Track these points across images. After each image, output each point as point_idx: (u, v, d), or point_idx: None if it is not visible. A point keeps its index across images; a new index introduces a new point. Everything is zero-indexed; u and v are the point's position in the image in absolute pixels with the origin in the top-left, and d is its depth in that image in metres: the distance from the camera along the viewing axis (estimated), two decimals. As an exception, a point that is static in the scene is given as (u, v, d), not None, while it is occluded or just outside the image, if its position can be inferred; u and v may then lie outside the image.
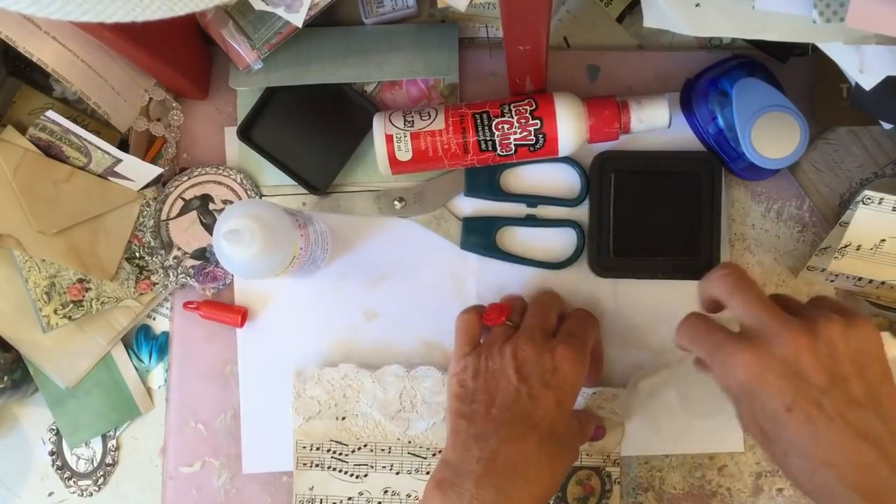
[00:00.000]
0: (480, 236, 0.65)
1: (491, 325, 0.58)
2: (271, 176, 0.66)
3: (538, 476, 0.52)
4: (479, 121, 0.61)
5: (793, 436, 0.45)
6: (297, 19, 0.56)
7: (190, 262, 0.66)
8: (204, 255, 0.66)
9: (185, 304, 0.66)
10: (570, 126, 0.61)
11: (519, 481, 0.51)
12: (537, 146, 0.62)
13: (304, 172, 0.66)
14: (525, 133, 0.61)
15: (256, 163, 0.66)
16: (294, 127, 0.66)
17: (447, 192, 0.65)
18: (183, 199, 0.66)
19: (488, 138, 0.61)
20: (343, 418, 0.64)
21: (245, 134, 0.66)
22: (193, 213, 0.66)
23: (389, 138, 0.61)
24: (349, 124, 0.65)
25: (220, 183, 0.66)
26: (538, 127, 0.61)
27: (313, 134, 0.66)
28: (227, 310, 0.65)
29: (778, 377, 0.45)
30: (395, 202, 0.65)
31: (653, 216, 0.64)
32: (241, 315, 0.65)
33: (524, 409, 0.53)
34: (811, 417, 0.44)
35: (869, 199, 0.55)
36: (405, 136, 0.61)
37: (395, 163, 0.62)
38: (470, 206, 0.66)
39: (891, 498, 0.43)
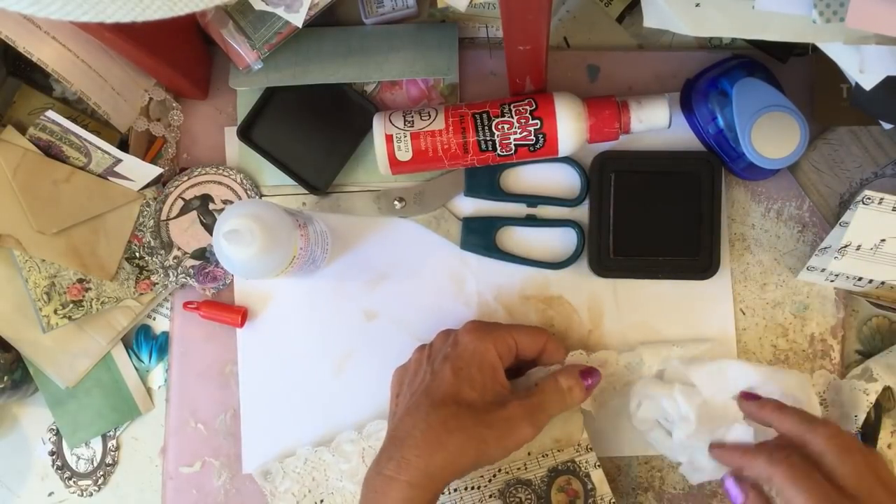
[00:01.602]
0: (480, 236, 0.65)
1: None
2: (271, 176, 0.66)
3: (426, 439, 0.52)
4: (479, 121, 0.61)
5: None
6: (297, 19, 0.56)
7: (190, 262, 0.66)
8: (204, 255, 0.66)
9: (185, 304, 0.66)
10: (570, 126, 0.61)
11: (407, 446, 0.52)
12: (537, 146, 0.62)
13: (304, 172, 0.66)
14: (525, 133, 0.61)
15: (256, 163, 0.66)
16: (294, 127, 0.66)
17: (447, 192, 0.65)
18: (183, 199, 0.66)
19: (488, 138, 0.61)
20: (322, 501, 0.64)
21: (245, 134, 0.66)
22: (193, 213, 0.66)
23: (389, 138, 0.61)
24: (349, 124, 0.65)
25: (220, 183, 0.66)
26: (538, 127, 0.61)
27: (313, 134, 0.66)
28: (227, 310, 0.65)
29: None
30: (395, 202, 0.65)
31: (653, 216, 0.64)
32: (242, 315, 0.65)
33: (426, 386, 0.55)
34: None
35: (869, 199, 0.55)
36: (405, 136, 0.61)
37: (395, 163, 0.62)
38: (470, 206, 0.66)
39: None
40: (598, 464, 0.62)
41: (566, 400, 0.56)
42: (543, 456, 0.61)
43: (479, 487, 0.61)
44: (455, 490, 0.61)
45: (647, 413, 0.59)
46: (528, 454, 0.61)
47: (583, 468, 0.61)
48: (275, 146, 0.66)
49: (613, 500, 0.61)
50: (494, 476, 0.61)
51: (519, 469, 0.61)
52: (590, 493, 0.61)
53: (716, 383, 0.56)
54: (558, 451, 0.61)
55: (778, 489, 0.48)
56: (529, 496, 0.61)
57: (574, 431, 0.61)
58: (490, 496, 0.61)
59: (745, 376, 0.56)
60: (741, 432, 0.55)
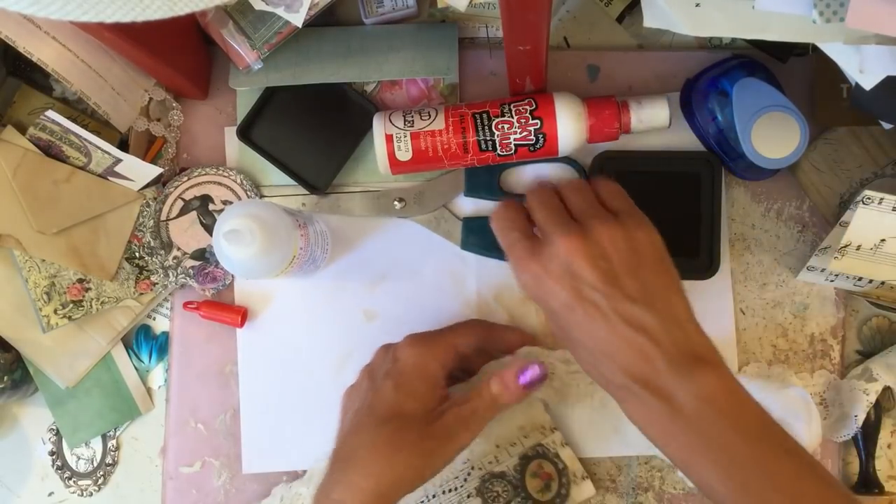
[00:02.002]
0: (481, 236, 0.65)
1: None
2: (271, 176, 0.66)
3: (373, 458, 0.51)
4: (479, 121, 0.61)
5: (576, 333, 0.49)
6: (297, 19, 0.56)
7: (190, 263, 0.66)
8: (204, 255, 0.66)
9: (185, 304, 0.66)
10: (570, 126, 0.61)
11: (354, 467, 0.52)
12: (537, 146, 0.62)
13: (303, 172, 0.66)
14: (525, 133, 0.61)
15: (256, 163, 0.66)
16: (294, 127, 0.66)
17: (447, 193, 0.65)
18: (183, 199, 0.66)
19: (488, 138, 0.61)
20: None
21: (245, 134, 0.66)
22: (193, 214, 0.66)
23: (389, 138, 0.61)
24: (349, 124, 0.65)
25: (220, 184, 0.66)
26: (538, 127, 0.61)
27: (313, 134, 0.66)
28: (227, 310, 0.65)
29: (555, 280, 0.49)
30: (395, 202, 0.65)
31: (653, 216, 0.63)
32: (242, 315, 0.65)
33: (368, 403, 0.55)
34: (589, 314, 0.48)
35: (869, 199, 0.55)
36: (405, 136, 0.61)
37: (394, 163, 0.62)
38: (470, 205, 0.66)
39: (665, 384, 0.47)
40: (564, 442, 0.63)
41: (497, 404, 0.55)
42: (512, 445, 0.62)
43: (455, 489, 0.61)
44: (434, 496, 0.61)
45: None
46: (497, 446, 0.62)
47: (551, 449, 0.62)
48: (274, 146, 0.66)
49: (585, 475, 0.62)
50: (469, 475, 0.62)
51: (491, 463, 0.62)
52: (563, 473, 0.62)
53: None
54: (525, 437, 0.62)
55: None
56: (506, 488, 0.62)
57: (536, 415, 0.62)
58: (468, 496, 0.61)
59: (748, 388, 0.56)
60: None
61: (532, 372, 0.55)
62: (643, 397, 0.47)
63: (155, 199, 0.66)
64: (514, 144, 0.62)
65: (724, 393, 0.46)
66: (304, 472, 0.64)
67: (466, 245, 0.65)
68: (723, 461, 0.45)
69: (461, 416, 0.54)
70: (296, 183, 0.66)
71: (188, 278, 0.65)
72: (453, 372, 0.58)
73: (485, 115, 0.61)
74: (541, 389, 0.59)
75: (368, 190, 0.66)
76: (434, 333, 0.58)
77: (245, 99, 0.66)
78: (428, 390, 0.55)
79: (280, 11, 0.56)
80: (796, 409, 0.59)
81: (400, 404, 0.54)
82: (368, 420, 0.54)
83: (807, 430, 0.59)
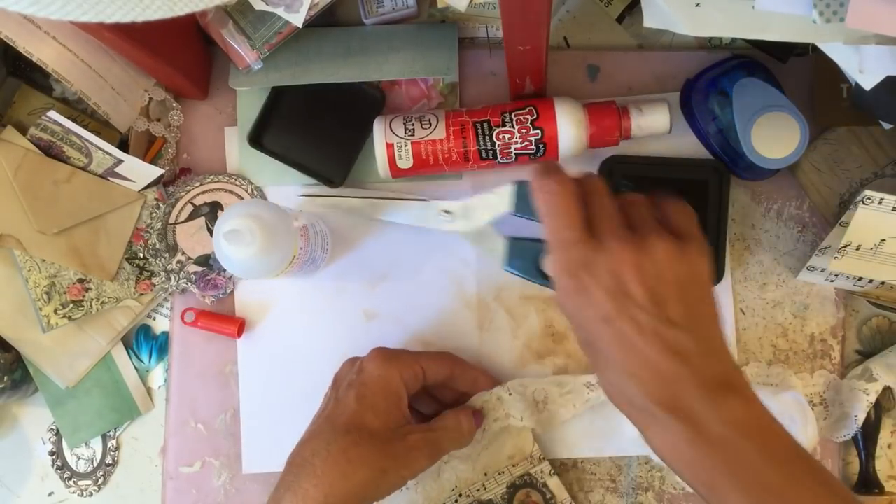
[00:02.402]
0: (525, 259, 0.59)
1: None
2: (272, 176, 0.66)
3: (326, 468, 0.51)
4: (479, 130, 0.61)
5: (607, 348, 0.45)
6: (297, 19, 0.56)
7: (193, 268, 0.66)
8: (207, 262, 0.66)
9: (183, 316, 0.66)
10: (570, 134, 0.61)
11: (307, 475, 0.51)
12: (538, 154, 0.62)
13: (320, 168, 0.65)
14: (526, 143, 0.61)
15: (257, 163, 0.66)
16: (303, 126, 0.66)
17: (495, 209, 0.61)
18: (193, 204, 0.66)
19: (489, 147, 0.61)
20: None
21: (256, 140, 0.66)
22: (201, 220, 0.66)
23: (390, 146, 0.62)
24: (358, 114, 0.65)
25: (230, 192, 0.66)
26: (539, 137, 0.61)
27: (323, 129, 0.66)
28: (224, 321, 0.65)
29: (602, 290, 0.45)
30: (442, 214, 0.62)
31: None
32: (239, 326, 0.65)
33: (328, 412, 0.55)
34: (624, 331, 0.44)
35: (869, 199, 0.55)
36: (406, 145, 0.61)
37: (395, 170, 0.62)
38: (516, 226, 0.59)
39: (693, 409, 0.44)
40: (552, 472, 0.62)
41: (462, 439, 0.56)
42: (500, 474, 0.62)
43: None
44: None
45: None
46: (485, 474, 0.62)
47: (539, 479, 0.62)
48: (287, 148, 0.66)
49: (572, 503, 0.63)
50: (456, 502, 0.62)
51: (479, 490, 0.62)
52: (550, 502, 0.62)
53: None
54: (513, 466, 0.62)
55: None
56: None
57: (525, 445, 0.62)
58: None
59: None
60: None
61: (480, 419, 0.59)
62: (666, 422, 0.44)
63: (161, 201, 0.66)
64: (515, 153, 0.62)
65: (752, 418, 0.45)
66: None
67: (511, 265, 0.59)
68: (750, 487, 0.43)
69: (426, 440, 0.54)
70: (300, 183, 0.66)
71: (190, 283, 0.65)
72: (416, 399, 0.58)
73: (486, 125, 0.61)
74: (530, 418, 0.61)
75: (415, 199, 0.65)
76: (403, 352, 0.58)
77: (245, 99, 0.67)
78: (390, 407, 0.54)
79: (280, 11, 0.56)
80: (792, 413, 0.59)
81: (360, 417, 0.53)
82: (326, 429, 0.53)
83: (803, 432, 0.59)
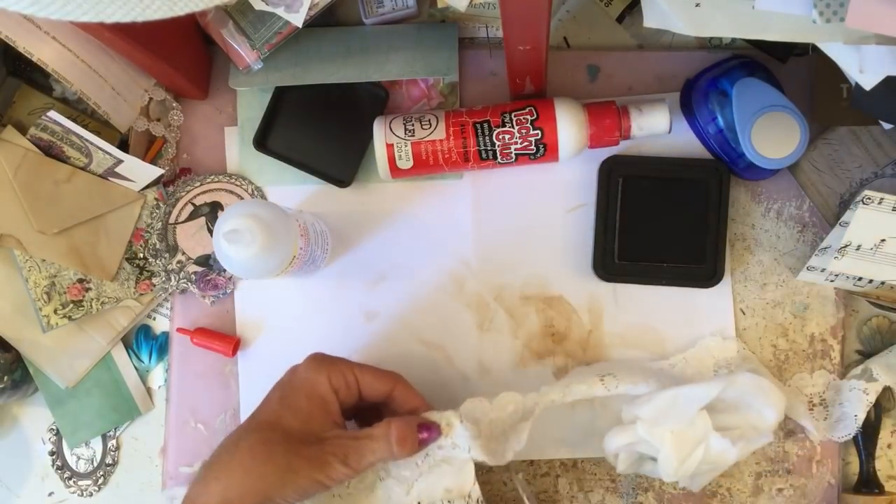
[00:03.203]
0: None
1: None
2: (272, 176, 0.66)
3: (230, 462, 0.51)
4: (479, 130, 0.61)
5: None
6: (297, 19, 0.56)
7: (193, 268, 0.66)
8: (207, 262, 0.66)
9: (179, 330, 0.66)
10: (571, 135, 0.61)
11: (212, 468, 0.51)
12: (538, 155, 0.62)
13: (327, 168, 0.65)
14: (526, 143, 0.61)
15: (258, 163, 0.66)
16: (308, 126, 0.66)
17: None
18: (193, 204, 0.66)
19: (489, 148, 0.61)
20: None
21: (261, 144, 0.65)
22: (202, 220, 0.66)
23: (390, 147, 0.62)
24: (362, 112, 0.65)
25: (230, 192, 0.66)
26: (539, 137, 0.61)
27: (328, 129, 0.66)
28: (219, 339, 0.65)
29: None
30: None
31: (659, 222, 0.64)
32: (234, 345, 0.65)
33: (255, 411, 0.54)
34: None
35: (869, 199, 0.55)
36: (406, 146, 0.61)
37: (395, 170, 0.62)
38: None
39: None
40: None
41: (393, 449, 0.53)
42: None
43: None
44: None
45: (627, 461, 0.59)
46: (419, 503, 0.57)
47: None
48: (292, 150, 0.66)
49: None
50: None
51: None
52: None
53: (673, 414, 0.56)
54: (448, 501, 0.57)
55: None
56: None
57: (465, 482, 0.57)
58: None
59: (699, 397, 0.55)
60: (718, 444, 0.55)
61: (433, 433, 0.54)
62: None
63: (161, 201, 0.66)
64: (515, 153, 0.62)
65: None
66: None
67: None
68: None
69: (343, 447, 0.52)
70: (303, 184, 0.66)
71: (190, 284, 0.65)
72: (350, 410, 0.56)
73: (485, 125, 0.61)
74: (479, 449, 0.55)
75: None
76: (339, 360, 0.56)
77: (245, 99, 0.67)
78: (313, 409, 0.53)
79: (280, 11, 0.56)
80: (748, 400, 0.58)
81: (278, 416, 0.53)
82: (244, 426, 0.53)
83: (767, 404, 0.57)
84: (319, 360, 0.55)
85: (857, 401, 0.62)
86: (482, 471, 0.63)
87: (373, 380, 0.56)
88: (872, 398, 0.62)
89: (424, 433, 0.54)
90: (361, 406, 0.57)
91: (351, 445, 0.52)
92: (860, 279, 0.60)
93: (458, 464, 0.56)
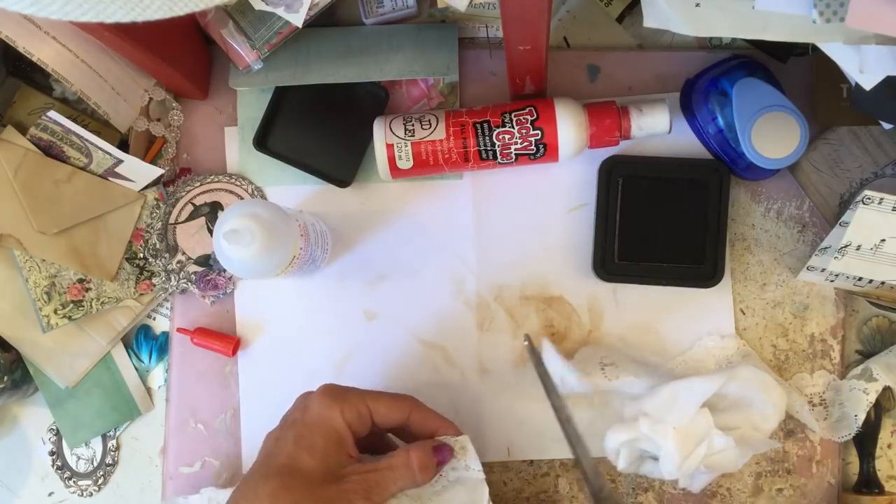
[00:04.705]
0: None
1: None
2: (272, 176, 0.66)
3: None
4: (479, 130, 0.61)
5: None
6: (297, 19, 0.56)
7: (193, 268, 0.66)
8: (207, 262, 0.66)
9: (179, 330, 0.66)
10: (571, 135, 0.61)
11: None
12: (538, 155, 0.62)
13: (328, 169, 0.65)
14: (526, 144, 0.61)
15: (258, 163, 0.66)
16: (308, 127, 0.66)
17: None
18: (193, 204, 0.66)
19: (489, 148, 0.62)
20: None
21: (262, 144, 0.65)
22: (202, 220, 0.66)
23: (390, 147, 0.62)
24: (362, 112, 0.65)
25: (230, 192, 0.66)
26: (539, 137, 0.61)
27: (329, 129, 0.66)
28: (219, 339, 0.65)
29: None
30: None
31: (659, 222, 0.64)
32: (234, 345, 0.65)
33: (268, 450, 0.53)
34: None
35: (869, 199, 0.55)
36: (406, 146, 0.62)
37: (395, 170, 0.62)
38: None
39: None
40: None
41: (416, 478, 0.52)
42: None
43: None
44: None
45: (628, 459, 0.59)
46: None
47: None
48: (293, 150, 0.65)
49: None
50: None
51: None
52: None
53: (675, 409, 0.56)
54: None
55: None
56: None
57: (478, 502, 0.55)
58: None
59: (700, 391, 0.56)
60: (721, 442, 0.55)
61: (447, 455, 0.54)
62: None
63: (160, 201, 0.66)
64: (515, 154, 0.62)
65: None
66: None
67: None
68: None
69: (364, 482, 0.50)
70: (297, 183, 0.66)
71: (190, 283, 0.65)
72: (364, 440, 0.55)
73: (485, 125, 0.61)
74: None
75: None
76: (353, 390, 0.54)
77: (245, 99, 0.67)
78: (329, 447, 0.51)
79: (280, 11, 0.56)
80: (751, 395, 0.58)
81: (295, 459, 0.51)
82: (261, 470, 0.52)
83: (768, 399, 0.57)
84: (332, 394, 0.53)
85: (857, 401, 0.62)
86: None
87: (387, 410, 0.54)
88: (872, 398, 0.62)
89: (439, 456, 0.53)
90: (373, 433, 0.56)
91: (372, 479, 0.51)
92: (860, 279, 0.60)
93: (472, 484, 0.55)
